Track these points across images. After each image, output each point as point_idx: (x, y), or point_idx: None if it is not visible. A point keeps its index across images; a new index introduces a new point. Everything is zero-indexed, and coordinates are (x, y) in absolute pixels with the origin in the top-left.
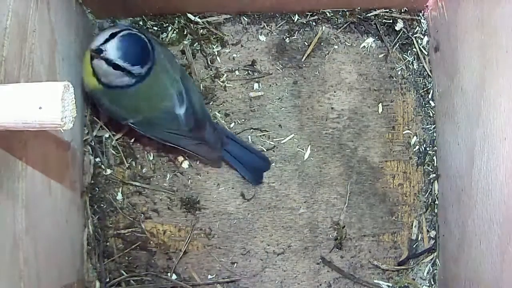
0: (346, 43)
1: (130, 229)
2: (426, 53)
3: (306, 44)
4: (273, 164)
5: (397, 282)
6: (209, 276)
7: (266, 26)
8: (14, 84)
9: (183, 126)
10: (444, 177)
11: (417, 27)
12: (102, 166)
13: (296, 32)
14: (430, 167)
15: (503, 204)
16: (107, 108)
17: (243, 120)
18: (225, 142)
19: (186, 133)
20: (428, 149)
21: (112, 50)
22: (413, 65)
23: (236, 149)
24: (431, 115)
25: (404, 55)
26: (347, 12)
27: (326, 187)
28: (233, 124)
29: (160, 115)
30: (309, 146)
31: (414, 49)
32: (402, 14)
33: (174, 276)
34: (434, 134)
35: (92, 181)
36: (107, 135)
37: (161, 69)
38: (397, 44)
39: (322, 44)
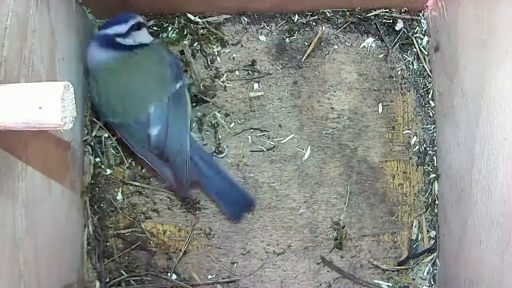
0: (346, 43)
1: (130, 229)
2: (426, 53)
3: (306, 44)
4: (273, 164)
5: (397, 282)
6: (209, 276)
7: (266, 26)
8: (14, 84)
9: (150, 147)
10: (444, 177)
11: (417, 27)
12: (102, 166)
13: (296, 32)
14: (430, 167)
15: (503, 204)
16: (94, 102)
17: (243, 120)
18: (199, 179)
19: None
20: (428, 149)
21: None
22: (413, 65)
23: (221, 185)
24: (431, 115)
25: (404, 55)
26: (347, 12)
27: (326, 187)
28: (233, 124)
29: (133, 124)
30: (309, 146)
31: (414, 49)
32: (402, 14)
33: (174, 276)
34: (434, 134)
35: (92, 181)
36: (106, 135)
37: (135, 68)
38: (397, 44)
39: (322, 44)
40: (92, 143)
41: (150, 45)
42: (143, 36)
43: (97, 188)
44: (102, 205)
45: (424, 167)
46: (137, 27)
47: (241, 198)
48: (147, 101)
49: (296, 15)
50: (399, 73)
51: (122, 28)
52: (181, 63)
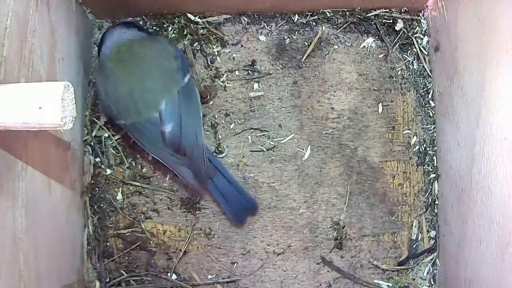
0: (346, 43)
1: (130, 229)
2: (426, 53)
3: (306, 44)
4: (273, 164)
5: (397, 282)
6: (209, 276)
7: (266, 26)
8: (14, 84)
9: (165, 144)
10: (444, 177)
11: (417, 27)
12: (102, 166)
13: (296, 32)
14: (430, 167)
15: (503, 204)
16: (103, 103)
17: (243, 120)
18: (214, 174)
19: (170, 151)
20: (428, 149)
21: None
22: (413, 65)
23: (224, 185)
24: (431, 115)
25: (404, 55)
26: (347, 12)
27: (326, 187)
28: (233, 124)
29: (145, 124)
30: (309, 146)
31: (414, 49)
32: (402, 14)
33: (174, 276)
34: (434, 134)
35: (92, 181)
36: (106, 135)
37: (147, 68)
38: (397, 44)
39: (322, 44)
40: (92, 143)
41: (155, 39)
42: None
43: (97, 188)
44: (102, 205)
45: (424, 167)
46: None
47: (246, 201)
48: (158, 97)
49: (296, 15)
50: (399, 73)
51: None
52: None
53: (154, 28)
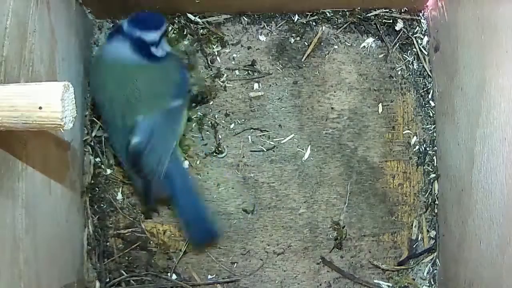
0: (346, 43)
1: (130, 229)
2: (426, 53)
3: (306, 44)
4: (273, 164)
5: (397, 282)
6: (209, 276)
7: (266, 26)
8: (14, 84)
9: (128, 155)
10: (444, 177)
11: (417, 27)
12: (102, 166)
13: (296, 32)
14: (430, 167)
15: (503, 204)
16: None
17: (243, 120)
18: (179, 197)
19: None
20: (428, 149)
21: None
22: (413, 65)
23: (189, 209)
24: (431, 115)
25: (404, 55)
26: (347, 12)
27: (326, 187)
28: (233, 124)
29: (120, 126)
30: (309, 146)
31: (414, 49)
32: (402, 14)
33: (174, 276)
34: (434, 134)
35: (92, 181)
36: (106, 135)
37: (140, 76)
38: (397, 44)
39: (322, 44)
40: (92, 143)
41: (167, 58)
42: (165, 44)
43: (97, 188)
44: (102, 205)
45: (424, 167)
46: (165, 33)
47: (205, 228)
48: (139, 110)
49: (296, 15)
50: (399, 73)
51: (155, 35)
52: (189, 80)
53: None
